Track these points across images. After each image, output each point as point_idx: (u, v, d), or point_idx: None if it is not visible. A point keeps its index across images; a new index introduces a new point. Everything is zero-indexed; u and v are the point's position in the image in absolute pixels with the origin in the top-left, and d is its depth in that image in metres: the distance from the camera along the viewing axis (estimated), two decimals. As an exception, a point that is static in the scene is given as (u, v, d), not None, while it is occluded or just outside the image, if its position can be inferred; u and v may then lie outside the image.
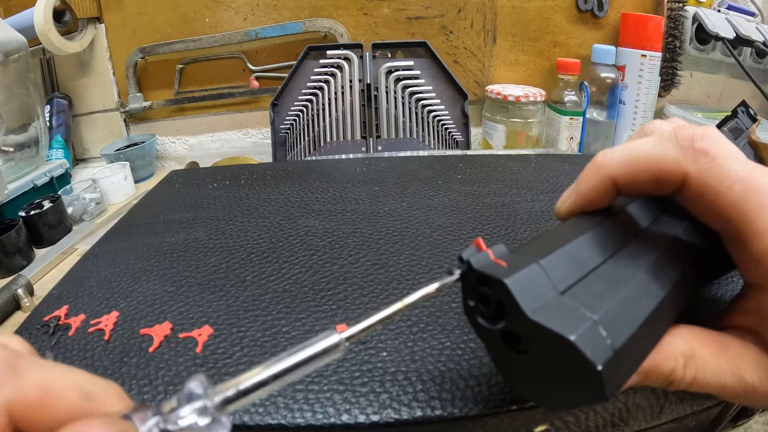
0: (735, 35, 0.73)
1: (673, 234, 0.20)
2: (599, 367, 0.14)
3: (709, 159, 0.17)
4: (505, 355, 0.17)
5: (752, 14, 0.80)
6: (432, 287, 0.17)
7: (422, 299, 0.17)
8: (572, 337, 0.14)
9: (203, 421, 0.13)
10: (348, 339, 0.15)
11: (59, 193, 0.63)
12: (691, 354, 0.17)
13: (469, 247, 0.17)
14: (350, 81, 0.73)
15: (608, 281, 0.17)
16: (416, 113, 0.75)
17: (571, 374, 0.15)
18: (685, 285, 0.19)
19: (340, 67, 0.73)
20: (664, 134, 0.18)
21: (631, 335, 0.15)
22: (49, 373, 0.13)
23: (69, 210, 0.62)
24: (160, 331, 0.26)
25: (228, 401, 0.13)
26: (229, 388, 0.13)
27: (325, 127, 0.74)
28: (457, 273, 0.17)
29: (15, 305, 0.45)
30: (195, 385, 0.13)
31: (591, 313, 0.15)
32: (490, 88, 0.77)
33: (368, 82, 0.74)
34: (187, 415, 0.13)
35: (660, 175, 0.18)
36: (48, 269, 0.53)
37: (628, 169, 0.18)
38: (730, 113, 0.59)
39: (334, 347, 0.14)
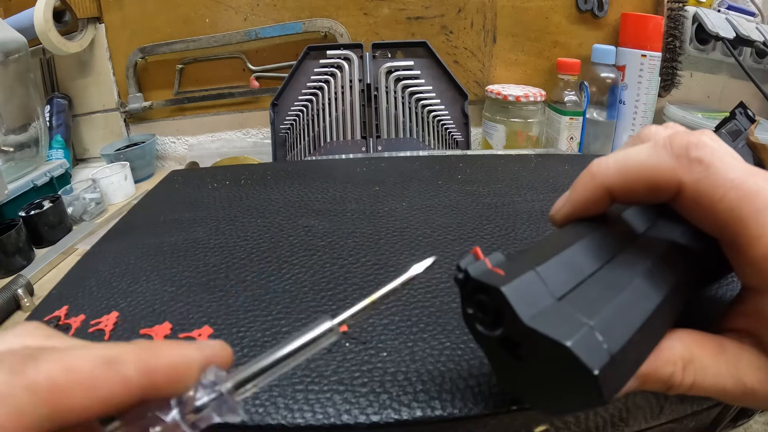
0: (735, 35, 0.73)
1: (669, 238, 0.20)
2: (596, 372, 0.14)
3: (704, 167, 0.17)
4: (504, 361, 0.17)
5: (752, 14, 0.80)
6: (418, 268, 0.18)
7: (408, 282, 0.18)
8: (569, 343, 0.14)
9: (217, 403, 0.15)
10: (340, 324, 0.16)
11: (59, 193, 0.63)
12: (689, 358, 0.17)
13: (467, 255, 0.17)
14: (350, 81, 0.73)
15: (605, 287, 0.17)
16: (416, 113, 0.75)
17: (569, 379, 0.15)
18: (683, 289, 0.19)
19: (340, 67, 0.73)
20: (659, 142, 0.18)
21: (627, 340, 0.15)
22: (69, 353, 0.13)
23: (69, 210, 0.62)
24: (160, 331, 0.26)
25: (238, 385, 0.15)
26: (238, 374, 0.15)
27: (325, 127, 0.74)
28: (431, 259, 0.18)
29: (15, 305, 0.45)
30: (209, 373, 0.15)
31: (587, 318, 0.15)
32: (490, 88, 0.77)
33: (368, 82, 0.74)
34: (205, 400, 0.15)
35: (655, 185, 0.18)
36: (48, 269, 0.53)
37: (623, 178, 0.18)
38: (728, 114, 0.59)
39: (329, 332, 0.16)
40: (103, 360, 0.13)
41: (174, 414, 0.14)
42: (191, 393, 0.15)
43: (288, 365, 0.16)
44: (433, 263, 0.18)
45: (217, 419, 0.15)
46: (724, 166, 0.17)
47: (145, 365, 0.14)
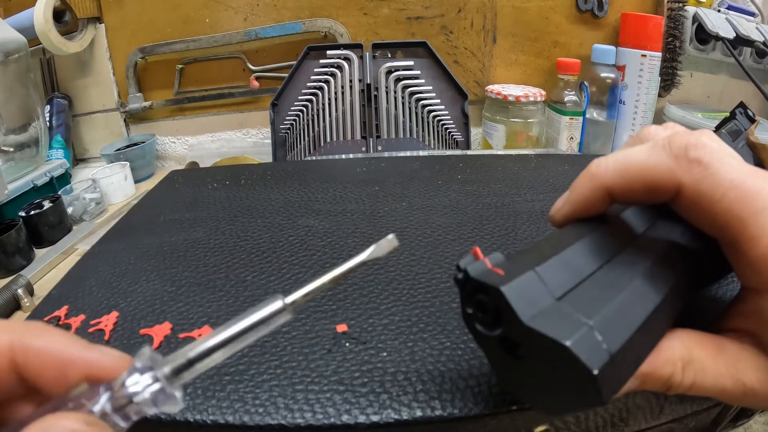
0: (735, 35, 0.73)
1: (669, 238, 0.20)
2: (595, 372, 0.14)
3: (703, 168, 0.17)
4: (504, 361, 0.17)
5: (752, 14, 0.80)
6: (370, 251, 0.17)
7: (363, 263, 0.16)
8: (568, 343, 0.14)
9: (152, 390, 0.13)
10: (293, 303, 0.15)
11: (59, 193, 0.63)
12: (689, 358, 0.17)
13: (467, 255, 0.17)
14: (350, 81, 0.73)
15: (604, 287, 0.17)
16: (416, 113, 0.75)
17: (568, 379, 0.15)
18: (683, 289, 0.19)
19: (340, 67, 0.73)
20: (658, 143, 0.18)
21: (627, 340, 0.15)
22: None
23: (69, 210, 0.62)
24: (160, 331, 0.26)
25: (177, 371, 0.13)
26: (178, 358, 0.13)
27: (325, 127, 0.74)
28: (391, 237, 0.17)
29: (15, 305, 0.45)
30: (143, 356, 0.13)
31: (587, 318, 0.15)
32: (490, 88, 0.77)
33: (368, 82, 0.74)
34: (138, 388, 0.13)
35: (654, 186, 0.18)
36: (48, 269, 0.53)
37: (622, 179, 0.18)
38: (728, 114, 0.59)
39: (281, 311, 0.14)
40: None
41: (102, 402, 0.13)
42: (123, 379, 0.13)
43: (234, 348, 0.14)
44: (395, 248, 0.17)
45: (153, 409, 0.13)
46: (723, 167, 0.17)
47: (12, 345, 0.13)
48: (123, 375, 0.13)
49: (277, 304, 0.14)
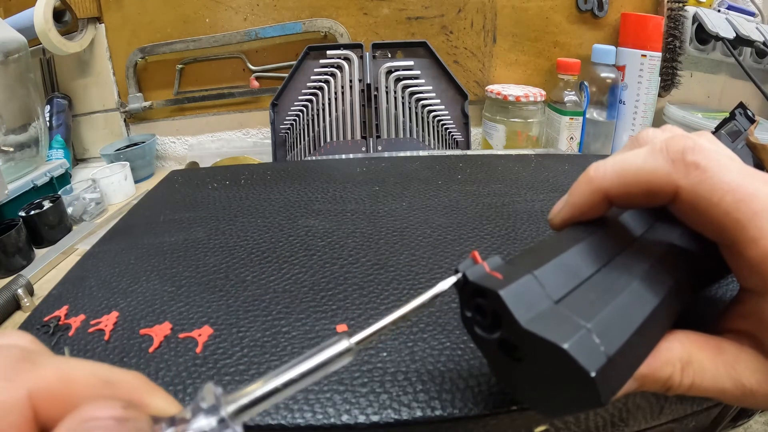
0: (735, 35, 0.73)
1: (668, 240, 0.20)
2: (593, 374, 0.14)
3: (701, 172, 0.17)
4: (503, 363, 0.17)
5: (752, 14, 0.80)
6: (436, 290, 0.17)
7: (431, 300, 0.17)
8: (565, 346, 0.14)
9: (215, 428, 0.13)
10: (358, 344, 0.15)
11: (59, 193, 0.63)
12: (688, 359, 0.17)
13: (465, 259, 0.18)
14: (350, 81, 0.73)
15: (602, 289, 0.17)
16: (416, 113, 0.75)
17: (567, 381, 0.15)
18: (681, 291, 0.19)
19: (340, 67, 0.73)
20: (655, 146, 0.18)
21: (625, 342, 0.15)
22: (67, 363, 0.13)
23: (69, 210, 0.62)
24: (160, 331, 0.26)
25: (241, 409, 0.13)
26: (243, 397, 0.13)
27: (325, 127, 0.74)
28: (452, 279, 0.17)
29: (15, 305, 0.45)
30: (208, 393, 0.13)
31: (584, 321, 0.15)
32: (490, 88, 0.78)
33: (368, 82, 0.74)
34: (202, 425, 0.13)
35: (651, 189, 0.18)
36: (48, 269, 0.53)
37: (620, 183, 0.18)
38: (728, 115, 0.59)
39: (345, 352, 0.15)
40: (103, 379, 0.13)
41: None
42: (186, 415, 0.13)
43: (297, 387, 0.14)
44: (458, 280, 0.17)
45: None
46: (721, 169, 0.17)
47: (139, 396, 0.13)
48: (186, 411, 0.13)
49: (342, 345, 0.15)
